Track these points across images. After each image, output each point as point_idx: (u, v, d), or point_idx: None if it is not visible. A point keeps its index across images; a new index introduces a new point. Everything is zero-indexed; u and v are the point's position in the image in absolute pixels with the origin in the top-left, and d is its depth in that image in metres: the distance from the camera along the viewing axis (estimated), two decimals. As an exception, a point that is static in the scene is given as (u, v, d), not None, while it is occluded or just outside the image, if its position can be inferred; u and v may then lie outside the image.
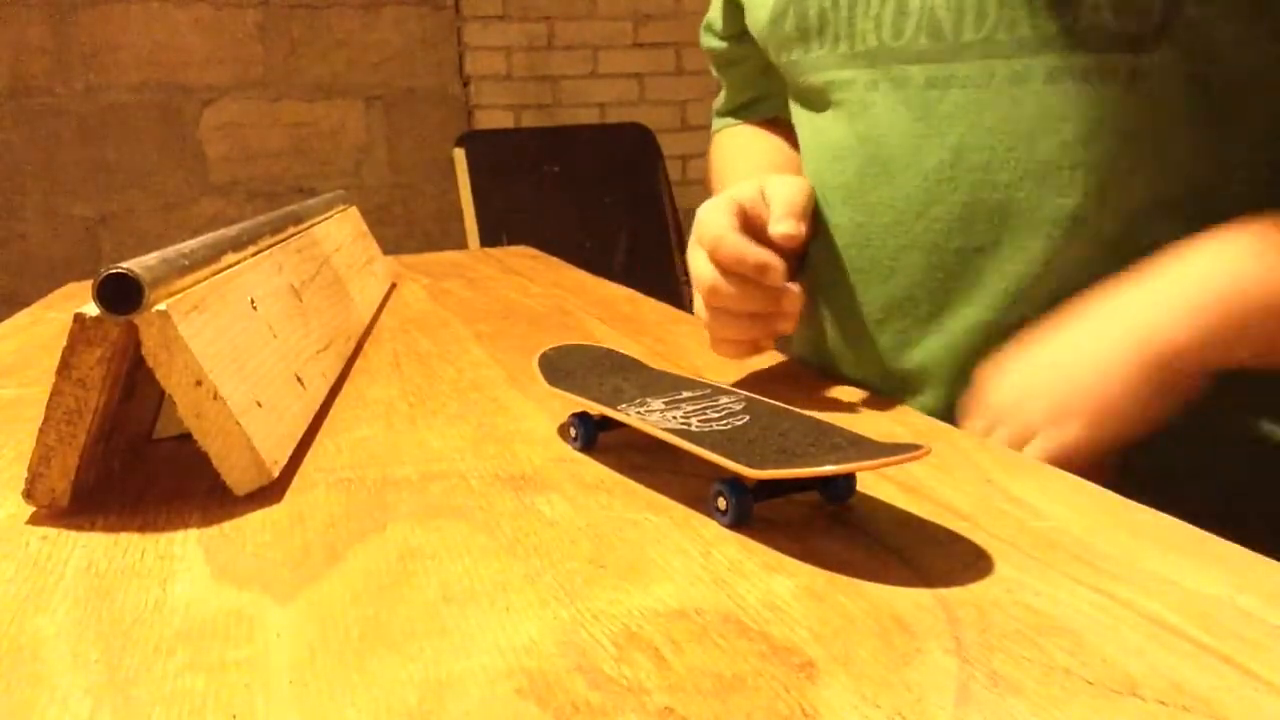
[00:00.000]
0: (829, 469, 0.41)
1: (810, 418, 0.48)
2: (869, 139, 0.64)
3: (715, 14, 0.84)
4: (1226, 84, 0.54)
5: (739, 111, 0.89)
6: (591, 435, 0.55)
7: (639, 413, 0.50)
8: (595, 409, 0.53)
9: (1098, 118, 0.55)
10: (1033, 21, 0.56)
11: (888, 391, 0.66)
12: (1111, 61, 0.54)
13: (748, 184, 0.64)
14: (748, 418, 0.48)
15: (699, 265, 0.60)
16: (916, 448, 0.42)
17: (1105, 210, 0.56)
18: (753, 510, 0.44)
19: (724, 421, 0.48)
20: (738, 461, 0.42)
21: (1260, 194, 0.55)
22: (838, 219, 0.68)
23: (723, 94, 0.90)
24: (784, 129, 0.84)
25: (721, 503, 0.44)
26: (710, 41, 0.86)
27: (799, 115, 0.74)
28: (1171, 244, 0.54)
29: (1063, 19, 0.55)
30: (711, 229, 0.59)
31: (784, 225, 0.59)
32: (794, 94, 0.74)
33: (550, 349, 0.62)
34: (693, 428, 0.47)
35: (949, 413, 0.63)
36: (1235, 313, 0.49)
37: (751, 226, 0.61)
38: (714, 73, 0.90)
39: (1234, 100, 0.55)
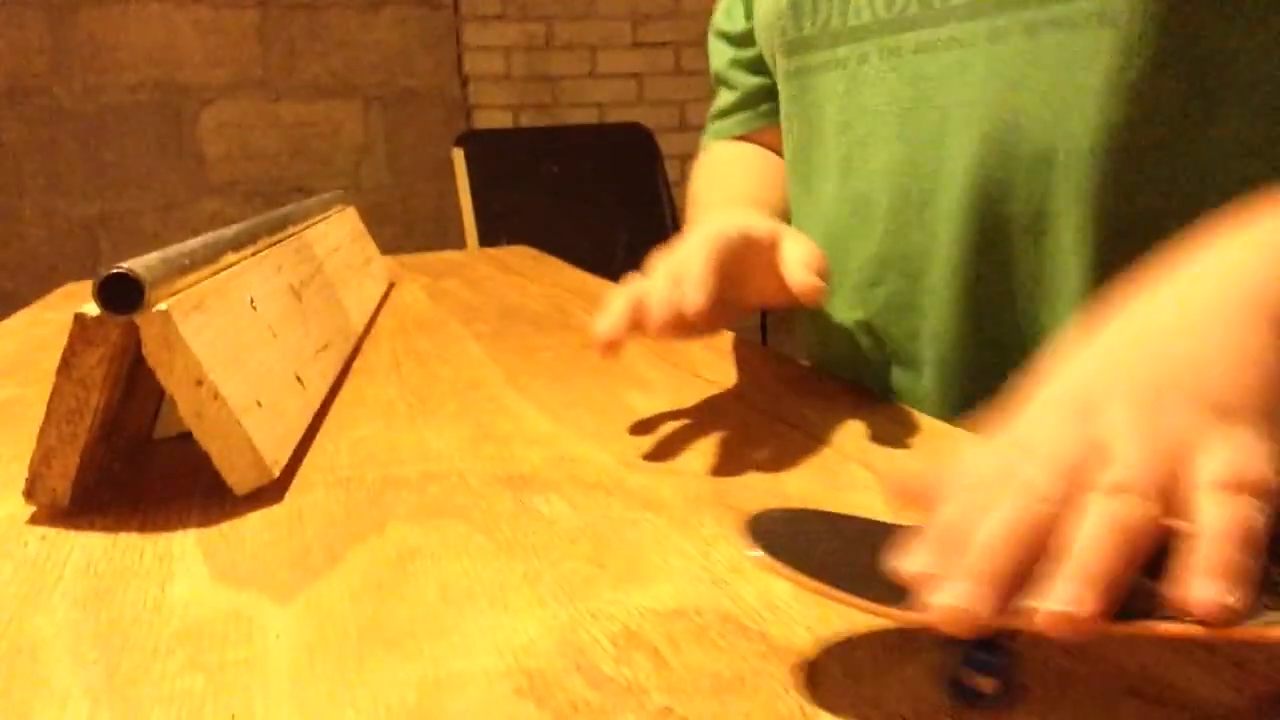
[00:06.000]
0: None
1: None
2: (863, 110, 0.66)
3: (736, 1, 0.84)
4: (1205, 29, 0.55)
5: (746, 106, 0.86)
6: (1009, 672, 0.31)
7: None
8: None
9: (1072, 64, 0.56)
10: None
11: (884, 371, 0.68)
12: (1081, 8, 0.55)
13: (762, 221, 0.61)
14: None
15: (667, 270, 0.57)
16: None
17: (1087, 157, 0.57)
18: None
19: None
20: None
21: (1252, 136, 0.55)
22: (831, 190, 0.70)
23: (725, 94, 0.89)
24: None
25: None
26: (734, 24, 0.84)
27: (789, 101, 0.74)
28: (1155, 190, 0.56)
29: None
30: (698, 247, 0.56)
31: (805, 278, 0.56)
32: (785, 80, 0.74)
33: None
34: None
35: (944, 396, 0.64)
36: None
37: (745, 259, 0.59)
38: (723, 64, 0.87)
39: (1217, 45, 0.55)
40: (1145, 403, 0.31)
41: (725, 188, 0.81)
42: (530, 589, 0.39)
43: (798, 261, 0.58)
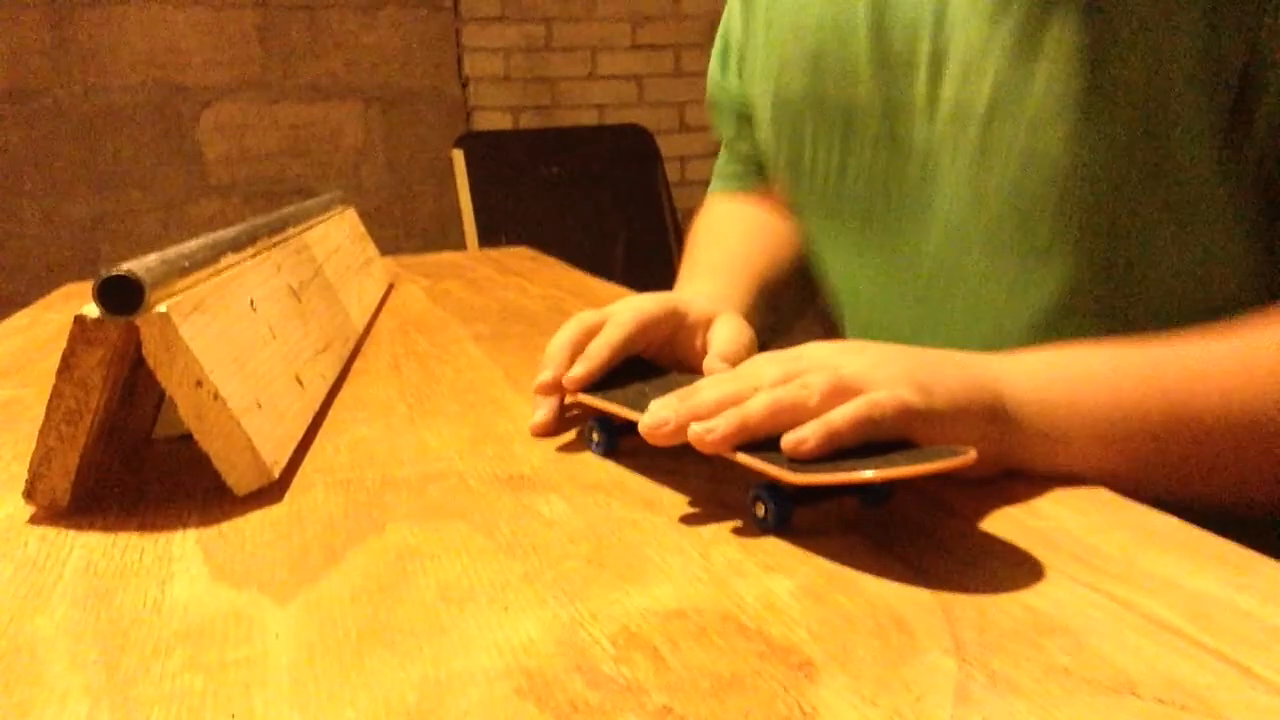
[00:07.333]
0: (871, 475, 0.40)
1: None
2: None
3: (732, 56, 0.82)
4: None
5: (746, 170, 0.86)
6: (614, 440, 0.54)
7: None
8: (620, 413, 0.52)
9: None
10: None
11: None
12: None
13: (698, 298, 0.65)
14: None
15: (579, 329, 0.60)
16: (960, 452, 0.41)
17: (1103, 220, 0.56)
18: (793, 515, 0.44)
19: None
20: (776, 465, 0.41)
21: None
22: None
23: (726, 152, 0.88)
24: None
25: (760, 509, 0.44)
26: (729, 81, 0.82)
27: None
28: (1169, 261, 0.55)
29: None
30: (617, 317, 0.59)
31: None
32: None
33: None
34: None
35: None
36: (1081, 409, 0.48)
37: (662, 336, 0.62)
38: (722, 123, 0.86)
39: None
40: (874, 362, 0.47)
41: (714, 252, 0.81)
42: (530, 589, 0.39)
43: (716, 349, 0.60)
